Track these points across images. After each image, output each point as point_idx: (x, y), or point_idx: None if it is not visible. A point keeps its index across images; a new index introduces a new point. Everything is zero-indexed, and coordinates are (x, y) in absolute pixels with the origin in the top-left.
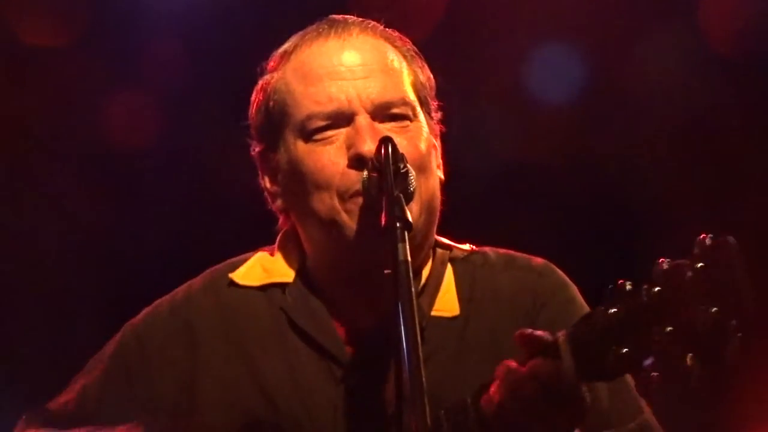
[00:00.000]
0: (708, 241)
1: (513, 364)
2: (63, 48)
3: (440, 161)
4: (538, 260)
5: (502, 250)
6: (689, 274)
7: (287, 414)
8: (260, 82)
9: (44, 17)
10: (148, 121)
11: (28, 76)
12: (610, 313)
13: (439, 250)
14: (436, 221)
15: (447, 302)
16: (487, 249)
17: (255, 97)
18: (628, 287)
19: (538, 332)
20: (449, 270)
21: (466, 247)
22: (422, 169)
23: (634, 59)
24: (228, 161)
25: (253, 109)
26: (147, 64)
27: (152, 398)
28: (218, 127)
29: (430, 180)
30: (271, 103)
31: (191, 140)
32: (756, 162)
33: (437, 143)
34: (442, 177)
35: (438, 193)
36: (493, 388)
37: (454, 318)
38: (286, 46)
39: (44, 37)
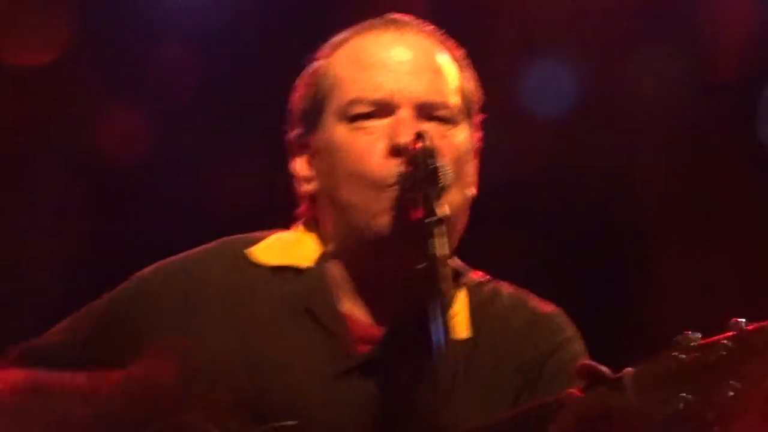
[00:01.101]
0: None
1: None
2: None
3: (475, 177)
4: (551, 308)
5: (513, 288)
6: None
7: (276, 401)
8: (308, 69)
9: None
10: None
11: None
12: (680, 359)
13: (458, 272)
14: (457, 238)
15: (458, 323)
16: (500, 283)
17: (300, 82)
18: (697, 339)
19: (602, 367)
20: (464, 295)
21: (480, 274)
22: (455, 173)
23: (624, 76)
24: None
25: (296, 95)
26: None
27: (137, 353)
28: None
29: (459, 187)
30: (318, 87)
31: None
32: (747, 179)
33: (476, 159)
34: (474, 193)
35: (465, 209)
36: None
37: (463, 341)
38: (338, 37)
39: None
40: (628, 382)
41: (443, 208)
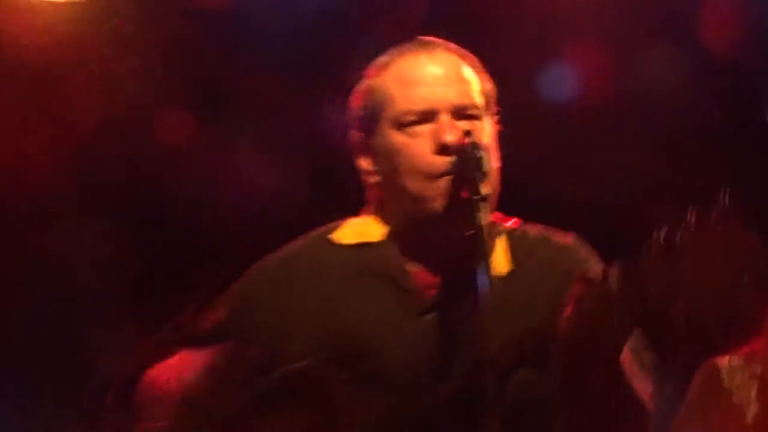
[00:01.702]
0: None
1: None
2: None
3: (497, 155)
4: (570, 238)
5: (537, 226)
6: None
7: (371, 350)
8: (360, 86)
9: None
10: None
11: None
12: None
13: (494, 224)
14: (493, 203)
15: (498, 264)
16: (527, 225)
17: (355, 97)
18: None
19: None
20: (503, 239)
21: (513, 221)
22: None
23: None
24: None
25: (354, 106)
26: None
27: (249, 340)
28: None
29: (492, 172)
30: (372, 101)
31: None
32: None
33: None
34: (499, 164)
35: (497, 177)
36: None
37: (504, 278)
38: (383, 59)
39: None
40: (612, 276)
41: (486, 189)
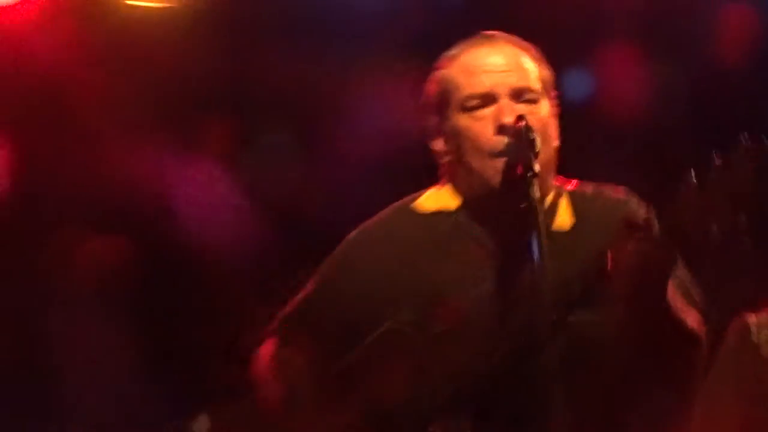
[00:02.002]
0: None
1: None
2: None
3: (557, 133)
4: (621, 190)
5: (593, 185)
6: (739, 160)
7: (451, 308)
8: (433, 76)
9: None
10: None
11: None
12: (683, 194)
13: (556, 186)
14: (553, 172)
15: (562, 221)
16: (584, 184)
17: (429, 86)
18: (694, 174)
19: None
20: (564, 199)
21: (573, 183)
22: (543, 138)
23: None
24: None
25: (428, 94)
26: None
27: (350, 308)
28: None
29: (547, 146)
30: (443, 89)
31: None
32: None
33: (555, 119)
34: (558, 143)
35: (554, 154)
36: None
37: (568, 232)
38: (452, 51)
39: None
40: (654, 223)
41: (537, 167)
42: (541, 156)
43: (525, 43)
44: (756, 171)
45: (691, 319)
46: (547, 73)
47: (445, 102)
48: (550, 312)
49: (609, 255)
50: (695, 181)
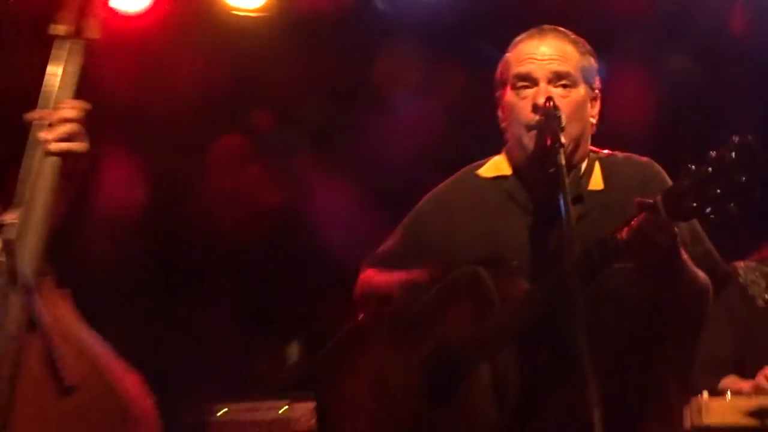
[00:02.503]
0: (735, 140)
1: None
2: None
3: (595, 113)
4: (644, 158)
5: (622, 153)
6: (729, 157)
7: (506, 252)
8: (503, 58)
9: None
10: None
11: None
12: (684, 184)
13: (592, 154)
14: (586, 144)
15: (596, 182)
16: (615, 152)
17: (498, 68)
18: (693, 168)
19: (646, 199)
20: (597, 164)
21: (606, 151)
22: (573, 116)
23: None
24: None
25: (497, 74)
26: None
27: (426, 252)
28: None
29: (578, 122)
30: (503, 71)
31: None
32: None
33: (597, 103)
34: (594, 122)
35: (587, 130)
36: (625, 229)
37: (601, 191)
38: (516, 40)
39: None
40: (659, 202)
41: (563, 139)
42: (570, 130)
43: (575, 37)
44: (743, 167)
45: (701, 275)
46: (589, 63)
47: (504, 81)
48: (578, 262)
49: (624, 227)
50: (694, 171)
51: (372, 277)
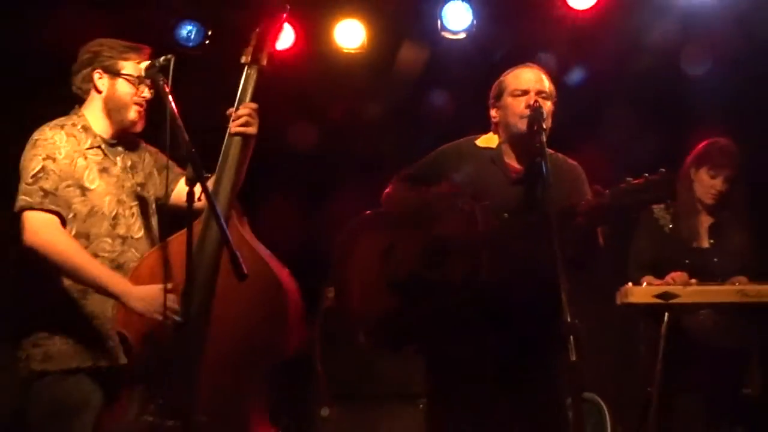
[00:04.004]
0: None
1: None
2: None
3: (551, 118)
4: (573, 161)
5: (561, 153)
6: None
7: (487, 196)
8: (498, 80)
9: None
10: None
11: None
12: (623, 188)
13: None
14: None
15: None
16: (556, 152)
17: (494, 86)
18: (631, 180)
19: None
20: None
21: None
22: (548, 115)
23: None
24: None
25: (493, 89)
26: None
27: (440, 177)
28: None
29: (549, 120)
30: (501, 86)
31: None
32: None
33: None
34: (550, 125)
35: (549, 125)
36: (583, 204)
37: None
38: (507, 71)
39: None
40: (607, 193)
41: (544, 126)
42: (546, 123)
43: (545, 70)
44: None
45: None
46: (552, 87)
47: (501, 91)
48: (552, 212)
49: (582, 203)
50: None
51: (401, 185)
